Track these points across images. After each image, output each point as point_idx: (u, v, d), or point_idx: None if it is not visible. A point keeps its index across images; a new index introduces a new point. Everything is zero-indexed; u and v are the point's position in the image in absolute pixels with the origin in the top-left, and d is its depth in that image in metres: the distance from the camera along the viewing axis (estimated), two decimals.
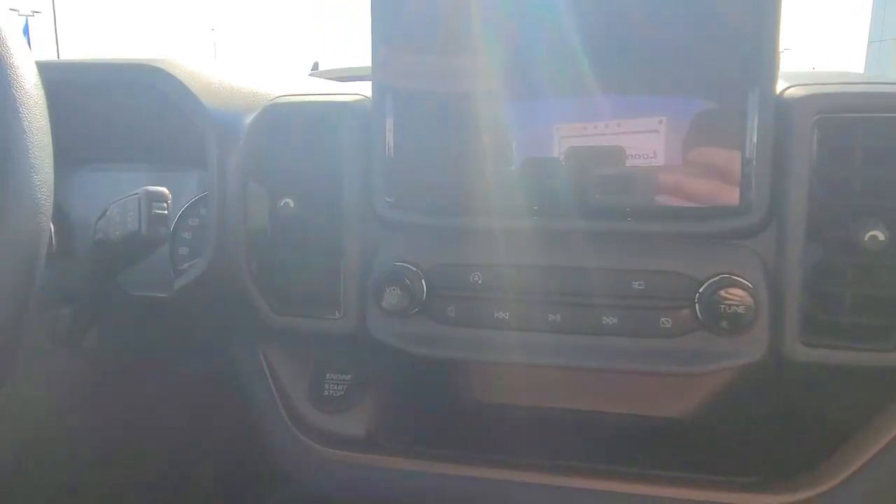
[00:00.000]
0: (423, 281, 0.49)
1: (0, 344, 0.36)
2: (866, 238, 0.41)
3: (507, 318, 0.47)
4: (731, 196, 0.43)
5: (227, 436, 0.73)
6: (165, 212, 0.54)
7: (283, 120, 0.52)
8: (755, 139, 0.42)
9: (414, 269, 0.49)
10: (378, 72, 0.49)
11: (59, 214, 0.65)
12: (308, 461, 0.53)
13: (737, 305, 0.42)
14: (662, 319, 0.44)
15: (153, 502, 0.72)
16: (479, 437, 0.55)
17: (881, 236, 0.41)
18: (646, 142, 0.44)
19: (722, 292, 0.42)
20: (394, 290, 0.48)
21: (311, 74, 5.27)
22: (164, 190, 0.54)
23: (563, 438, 0.54)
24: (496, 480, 0.50)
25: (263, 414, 0.55)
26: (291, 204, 0.52)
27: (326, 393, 0.56)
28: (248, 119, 0.55)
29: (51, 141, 0.40)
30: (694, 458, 0.50)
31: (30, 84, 0.40)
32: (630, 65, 0.44)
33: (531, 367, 0.52)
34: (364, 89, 0.55)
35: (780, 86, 0.45)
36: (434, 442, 0.54)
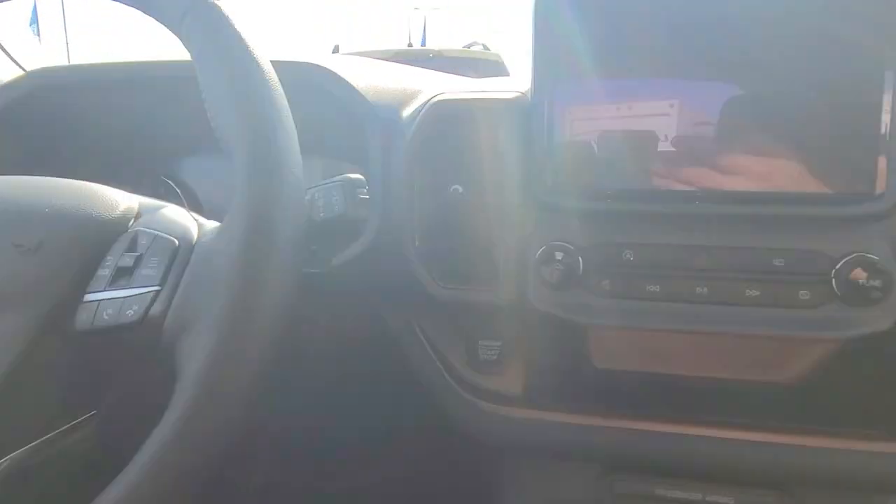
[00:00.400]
0: (579, 258, 0.56)
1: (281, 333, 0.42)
2: None
3: (658, 290, 0.55)
4: (866, 183, 0.51)
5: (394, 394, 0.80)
6: (367, 196, 0.61)
7: (452, 114, 0.60)
8: (891, 125, 0.49)
9: (571, 248, 0.56)
10: (538, 69, 0.56)
11: None
12: (477, 417, 0.61)
13: (869, 280, 0.50)
14: (801, 292, 0.52)
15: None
16: (612, 396, 0.62)
17: None
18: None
19: (857, 269, 0.50)
20: (556, 266, 0.56)
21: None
22: (362, 177, 0.62)
23: (688, 400, 0.62)
24: (647, 432, 0.58)
25: (429, 377, 0.63)
26: (461, 190, 0.59)
27: (482, 357, 0.63)
28: (407, 112, 0.63)
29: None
30: (817, 416, 0.58)
31: (273, 73, 0.46)
32: (769, 51, 0.52)
33: (657, 336, 0.59)
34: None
35: None
36: (575, 399, 0.61)
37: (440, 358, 0.63)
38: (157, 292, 0.42)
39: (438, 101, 0.60)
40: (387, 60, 0.83)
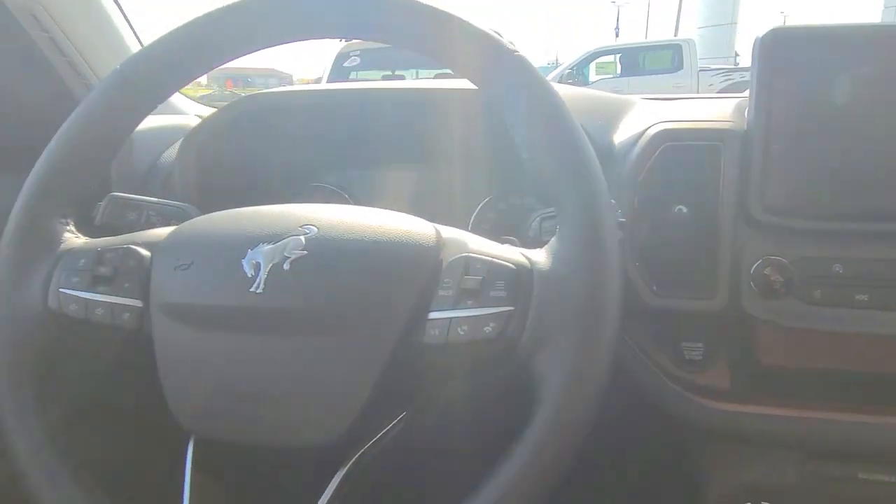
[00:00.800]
0: (790, 269, 0.64)
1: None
2: None
3: (866, 299, 0.63)
4: None
5: None
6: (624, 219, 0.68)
7: (674, 143, 0.67)
8: None
9: (784, 261, 0.64)
10: (759, 100, 0.63)
11: None
12: (688, 409, 0.69)
13: None
14: None
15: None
16: (807, 389, 0.70)
17: None
18: None
19: None
20: (770, 277, 0.64)
21: (345, 45, 5.34)
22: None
23: (873, 392, 0.70)
24: (845, 421, 0.66)
25: (640, 375, 0.70)
26: (685, 210, 0.66)
27: (686, 357, 0.71)
28: (620, 138, 0.70)
29: None
30: None
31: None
32: None
33: (849, 337, 0.66)
34: None
35: None
36: (776, 393, 0.69)
37: (650, 359, 0.70)
38: (512, 312, 0.48)
39: (662, 131, 0.67)
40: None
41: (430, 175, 0.94)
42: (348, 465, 0.51)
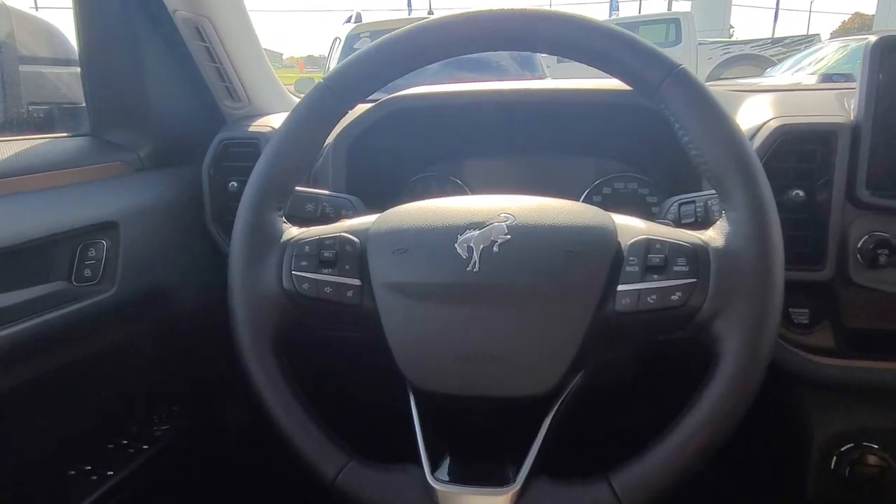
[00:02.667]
0: (893, 243, 0.75)
1: None
2: None
3: None
4: None
5: None
6: None
7: (792, 137, 0.77)
8: None
9: (887, 236, 0.75)
10: (868, 98, 0.73)
11: None
12: (800, 364, 0.80)
13: None
14: None
15: None
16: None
17: None
18: None
19: None
20: (881, 251, 0.75)
21: (355, 26, 5.37)
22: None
23: None
24: None
25: None
26: (802, 194, 0.77)
27: (795, 321, 0.82)
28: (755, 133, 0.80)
29: None
30: None
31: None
32: None
33: None
34: None
35: None
36: (876, 350, 0.81)
37: None
38: (695, 283, 0.59)
39: (781, 125, 0.77)
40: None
41: (537, 163, 1.05)
42: (552, 413, 0.61)
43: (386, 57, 0.67)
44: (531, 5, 0.65)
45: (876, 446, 0.82)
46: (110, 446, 0.88)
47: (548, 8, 0.66)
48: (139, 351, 0.91)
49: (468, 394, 0.62)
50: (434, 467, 0.62)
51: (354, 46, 5.58)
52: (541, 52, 0.68)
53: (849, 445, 0.83)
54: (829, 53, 6.21)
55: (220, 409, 1.06)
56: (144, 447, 0.89)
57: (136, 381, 0.92)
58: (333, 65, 5.61)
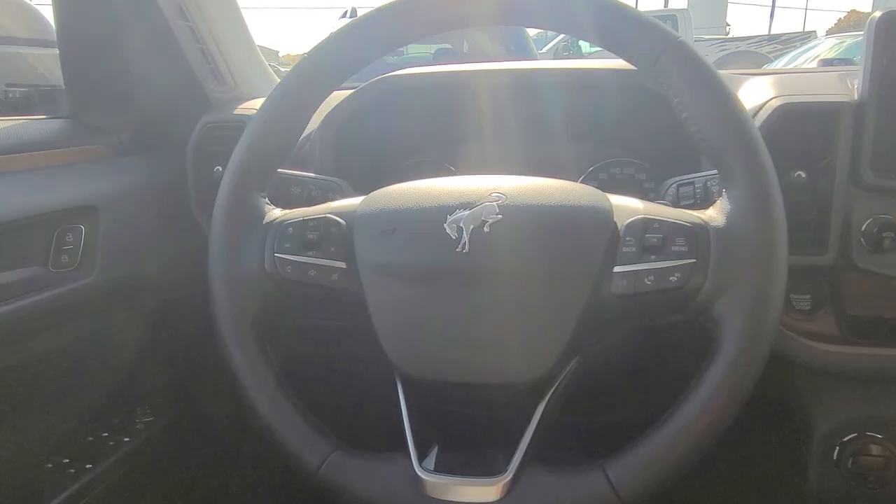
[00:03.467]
0: None
1: None
2: None
3: None
4: None
5: None
6: None
7: (795, 116, 0.74)
8: None
9: (892, 218, 0.72)
10: (873, 76, 0.71)
11: None
12: (801, 351, 0.77)
13: None
14: None
15: None
16: None
17: None
18: None
19: None
20: (886, 234, 0.72)
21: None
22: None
23: None
24: None
25: None
26: (804, 175, 0.74)
27: (796, 308, 0.79)
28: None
29: None
30: None
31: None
32: None
33: None
34: None
35: None
36: (879, 336, 0.78)
37: None
38: (695, 263, 0.56)
39: (783, 104, 0.74)
40: None
41: (531, 148, 1.02)
42: (546, 399, 0.59)
43: (366, 34, 0.64)
44: None
45: (880, 436, 0.80)
46: (90, 438, 0.85)
47: None
48: (120, 340, 0.88)
49: (458, 380, 0.59)
50: (422, 457, 0.59)
51: None
52: (535, 27, 0.66)
53: (852, 435, 0.81)
54: (825, 50, 6.22)
55: (205, 401, 1.03)
56: (126, 440, 0.86)
57: (118, 371, 0.89)
58: None
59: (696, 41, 9.67)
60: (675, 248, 0.56)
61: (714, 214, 0.58)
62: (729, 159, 0.57)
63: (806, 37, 10.71)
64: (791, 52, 7.37)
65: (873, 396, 0.80)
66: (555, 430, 0.61)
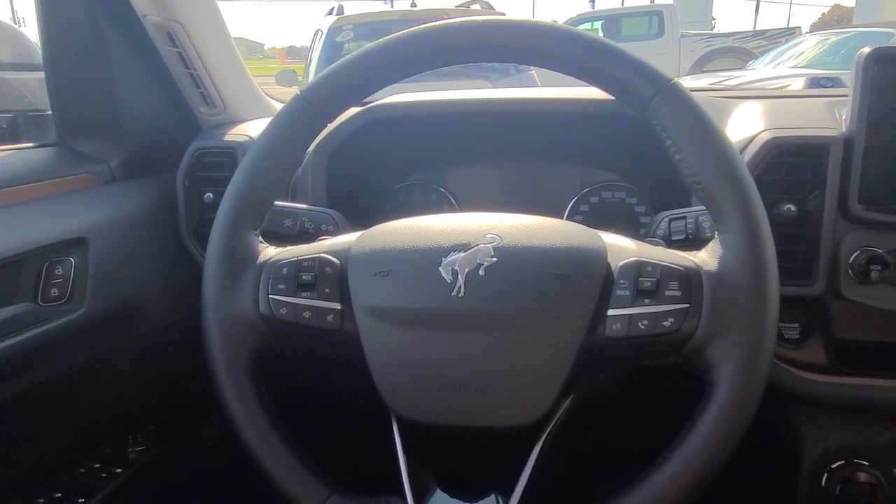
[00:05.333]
0: (885, 258, 0.73)
1: None
2: None
3: None
4: None
5: None
6: None
7: (785, 150, 0.75)
8: None
9: (880, 251, 0.73)
10: (861, 111, 0.72)
11: None
12: (791, 381, 0.78)
13: None
14: None
15: None
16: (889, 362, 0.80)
17: None
18: None
19: None
20: (873, 266, 0.73)
21: (337, 19, 5.32)
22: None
23: None
24: None
25: None
26: (794, 209, 0.75)
27: (786, 336, 0.80)
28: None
29: None
30: None
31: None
32: None
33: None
34: None
35: None
36: (871, 366, 0.79)
37: None
38: (688, 308, 0.57)
39: (772, 139, 0.75)
40: (396, 21, 0.97)
41: (523, 171, 1.02)
42: (542, 441, 0.59)
43: (366, 68, 0.64)
44: (517, 16, 0.62)
45: (867, 463, 0.81)
46: (82, 471, 0.85)
47: (533, 18, 0.63)
48: (112, 370, 0.87)
49: (453, 424, 0.59)
50: (419, 500, 0.59)
51: (336, 39, 5.51)
52: (526, 64, 0.66)
53: (840, 462, 0.82)
54: (809, 47, 6.26)
55: (198, 428, 1.02)
56: (118, 471, 0.86)
57: (110, 401, 0.89)
58: (315, 57, 5.54)
59: (682, 36, 9.71)
60: (668, 293, 0.57)
61: (706, 258, 0.58)
62: (722, 204, 0.57)
63: (790, 32, 10.77)
64: (777, 47, 7.41)
65: (861, 424, 0.82)
66: (552, 467, 0.62)
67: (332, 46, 5.48)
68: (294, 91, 0.66)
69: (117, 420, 0.91)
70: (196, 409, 1.02)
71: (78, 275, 0.78)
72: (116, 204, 0.87)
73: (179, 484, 1.00)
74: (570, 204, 1.01)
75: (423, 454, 0.63)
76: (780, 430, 0.86)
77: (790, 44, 6.89)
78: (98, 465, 0.86)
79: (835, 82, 1.65)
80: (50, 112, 0.91)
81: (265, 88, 1.14)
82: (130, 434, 0.92)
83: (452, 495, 0.62)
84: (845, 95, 0.79)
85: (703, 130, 0.58)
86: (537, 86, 4.08)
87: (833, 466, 0.82)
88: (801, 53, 6.23)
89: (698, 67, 9.82)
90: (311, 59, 5.92)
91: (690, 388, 0.59)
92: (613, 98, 0.62)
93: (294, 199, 0.88)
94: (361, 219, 0.67)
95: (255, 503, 0.77)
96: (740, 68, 7.18)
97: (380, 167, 0.99)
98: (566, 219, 1.00)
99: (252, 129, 0.96)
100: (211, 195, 0.92)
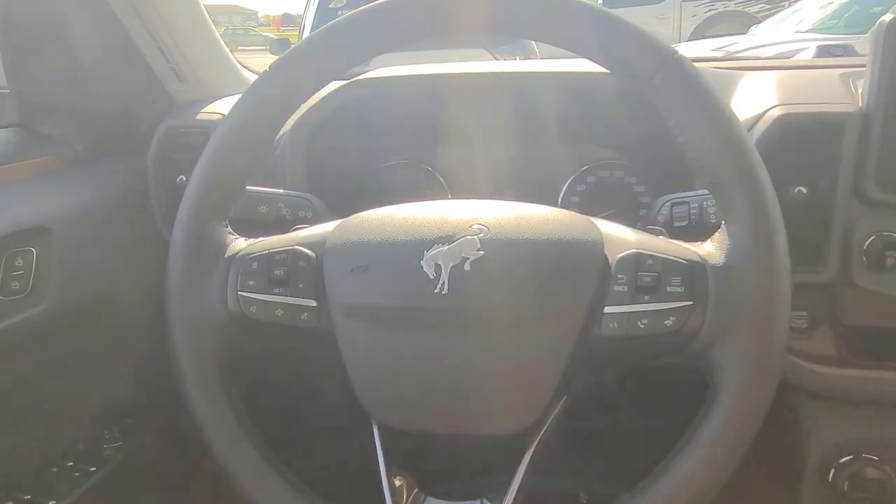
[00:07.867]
0: None
1: None
2: None
3: None
4: None
5: None
6: None
7: (795, 127, 0.69)
8: None
9: (895, 236, 0.68)
10: (881, 85, 0.66)
11: None
12: (799, 374, 0.74)
13: None
14: None
15: None
16: None
17: None
18: None
19: None
20: (889, 253, 0.68)
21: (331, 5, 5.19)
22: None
23: None
24: None
25: None
26: (805, 191, 0.70)
27: (794, 325, 0.76)
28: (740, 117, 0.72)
29: None
30: None
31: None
32: None
33: None
34: None
35: None
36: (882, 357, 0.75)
37: None
38: (691, 306, 0.52)
39: (783, 115, 0.70)
40: None
41: (518, 151, 0.96)
42: (533, 447, 0.55)
43: (345, 39, 0.57)
44: None
45: (875, 458, 0.77)
46: (54, 470, 0.81)
47: None
48: (83, 366, 0.83)
49: (437, 431, 0.55)
50: None
51: (329, 6, 5.37)
52: (519, 38, 0.60)
53: (848, 457, 0.78)
54: (813, 11, 6.11)
55: (177, 418, 0.98)
56: (92, 469, 0.82)
57: (82, 397, 0.85)
58: (308, 24, 5.41)
59: (683, 0, 9.49)
60: (670, 289, 0.52)
61: (712, 250, 0.53)
62: (730, 192, 0.52)
63: None
64: (780, 11, 7.24)
65: (869, 419, 0.78)
66: (545, 473, 0.58)
67: (325, 13, 5.34)
68: None
69: (92, 416, 0.87)
70: (174, 399, 0.98)
71: (40, 266, 0.73)
72: (83, 189, 0.82)
73: (160, 476, 0.96)
74: (567, 183, 0.95)
75: (407, 462, 0.59)
76: (787, 424, 0.82)
77: (793, 8, 6.73)
78: (71, 464, 0.82)
79: (846, 50, 1.57)
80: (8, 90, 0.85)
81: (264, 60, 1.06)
82: (107, 430, 0.88)
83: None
84: (862, 66, 0.73)
85: (711, 112, 0.52)
86: (535, 54, 3.98)
87: (841, 461, 0.79)
88: (804, 18, 6.08)
89: (700, 32, 9.61)
90: (303, 27, 5.78)
91: (694, 383, 0.54)
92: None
93: (273, 183, 0.82)
94: (344, 203, 0.62)
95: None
96: (743, 33, 7.02)
97: (364, 148, 0.94)
98: (562, 199, 0.96)
99: (226, 105, 0.90)
100: (184, 178, 0.87)
